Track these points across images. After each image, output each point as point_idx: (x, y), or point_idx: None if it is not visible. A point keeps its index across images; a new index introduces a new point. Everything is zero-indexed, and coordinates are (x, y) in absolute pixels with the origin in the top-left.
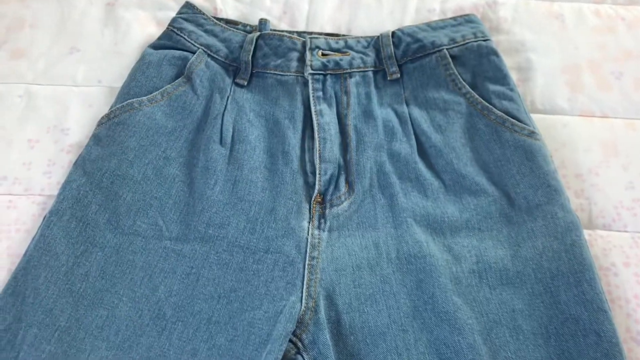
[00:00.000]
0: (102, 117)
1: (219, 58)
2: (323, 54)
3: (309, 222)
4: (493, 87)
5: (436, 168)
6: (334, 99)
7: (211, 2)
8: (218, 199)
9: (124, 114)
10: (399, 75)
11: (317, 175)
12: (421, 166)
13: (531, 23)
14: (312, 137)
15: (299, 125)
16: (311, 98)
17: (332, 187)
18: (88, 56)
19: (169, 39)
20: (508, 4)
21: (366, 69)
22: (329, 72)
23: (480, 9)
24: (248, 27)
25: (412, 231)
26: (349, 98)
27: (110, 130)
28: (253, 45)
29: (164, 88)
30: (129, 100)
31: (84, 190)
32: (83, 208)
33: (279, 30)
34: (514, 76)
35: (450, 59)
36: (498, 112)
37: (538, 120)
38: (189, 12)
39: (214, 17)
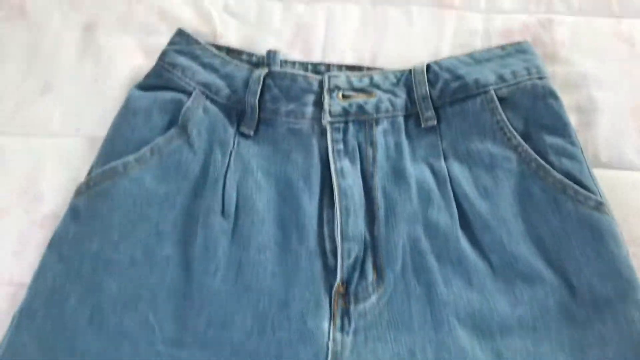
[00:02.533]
0: (81, 185)
1: (220, 100)
2: (344, 96)
3: (330, 322)
4: (551, 140)
5: (482, 245)
6: (358, 153)
7: (210, 25)
8: (220, 289)
9: (106, 181)
10: (435, 122)
11: (339, 259)
12: (464, 243)
13: (594, 48)
14: (332, 204)
15: (316, 187)
16: (330, 152)
17: (357, 274)
18: (63, 96)
19: (159, 77)
20: (566, 23)
21: (396, 114)
22: (351, 118)
23: (532, 29)
24: (254, 58)
25: (455, 335)
26: (375, 151)
27: (90, 202)
28: (260, 86)
29: (154, 142)
30: (112, 164)
31: (60, 281)
32: (59, 304)
33: (290, 62)
34: (572, 119)
35: (498, 102)
36: (557, 174)
37: (602, 179)
38: (182, 42)
39: (214, 45)
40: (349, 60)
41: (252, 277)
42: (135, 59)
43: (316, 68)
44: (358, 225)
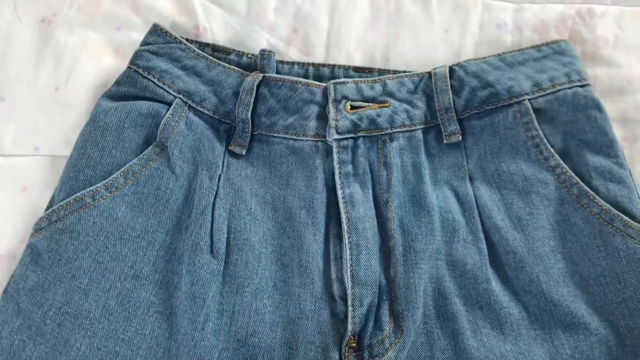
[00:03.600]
0: (41, 219)
1: (206, 112)
2: (352, 107)
3: None
4: (594, 160)
5: (515, 287)
6: (369, 176)
7: (191, 18)
8: (210, 344)
9: (71, 214)
10: (460, 137)
11: (350, 307)
12: (495, 285)
13: None
14: (340, 238)
15: (321, 217)
16: (337, 176)
17: (371, 325)
18: (18, 108)
19: (131, 84)
20: (609, 15)
21: (414, 128)
22: (361, 134)
23: (569, 23)
24: (244, 58)
25: None
26: (390, 174)
27: (52, 242)
28: (253, 96)
29: (128, 165)
30: (77, 194)
31: (20, 340)
32: None
33: (288, 63)
34: (617, 133)
35: (534, 115)
36: (603, 202)
37: None
38: (159, 42)
39: (196, 43)
40: (357, 60)
41: (248, 328)
42: (102, 59)
43: (318, 70)
44: (371, 265)
